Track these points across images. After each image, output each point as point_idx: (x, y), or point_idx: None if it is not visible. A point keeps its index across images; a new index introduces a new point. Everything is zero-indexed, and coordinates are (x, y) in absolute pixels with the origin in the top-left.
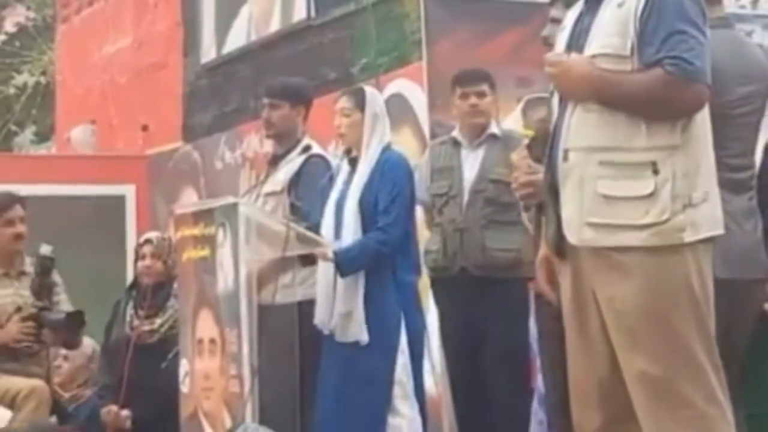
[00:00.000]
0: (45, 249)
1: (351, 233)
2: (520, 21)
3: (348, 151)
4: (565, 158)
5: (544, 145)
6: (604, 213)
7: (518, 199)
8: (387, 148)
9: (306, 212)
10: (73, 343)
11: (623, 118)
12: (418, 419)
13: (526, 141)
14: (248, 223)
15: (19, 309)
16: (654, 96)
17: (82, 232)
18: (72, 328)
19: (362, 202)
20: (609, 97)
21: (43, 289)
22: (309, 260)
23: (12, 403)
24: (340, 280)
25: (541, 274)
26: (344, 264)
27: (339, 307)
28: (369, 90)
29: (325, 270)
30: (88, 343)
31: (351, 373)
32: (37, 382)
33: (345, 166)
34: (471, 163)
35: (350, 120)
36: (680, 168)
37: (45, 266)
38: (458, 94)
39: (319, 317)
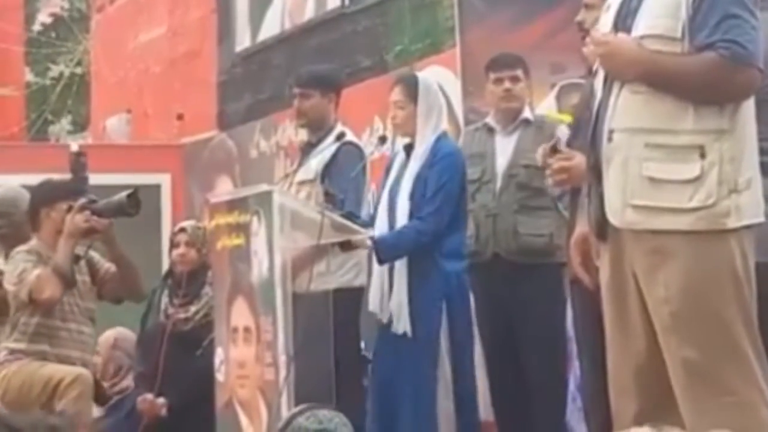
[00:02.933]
0: (74, 146)
1: (403, 222)
2: (553, 6)
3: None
4: (610, 139)
5: (576, 129)
6: (649, 195)
7: (552, 184)
8: (442, 137)
9: (340, 200)
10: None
11: (671, 101)
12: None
13: (554, 140)
14: (282, 210)
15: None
16: (706, 79)
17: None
18: (133, 207)
19: (414, 192)
20: (659, 78)
21: (80, 185)
22: (349, 246)
23: (55, 391)
24: (394, 272)
25: (574, 257)
26: (382, 252)
27: (393, 300)
28: (423, 78)
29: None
30: (110, 333)
31: (400, 363)
32: (81, 370)
33: (401, 154)
34: (504, 149)
35: (405, 113)
36: (727, 152)
37: (78, 163)
38: (492, 79)
39: (374, 305)
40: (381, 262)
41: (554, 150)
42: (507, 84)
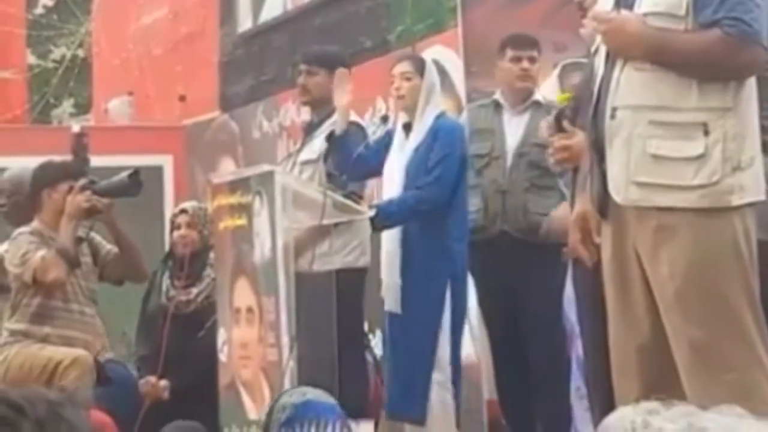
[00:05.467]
0: (75, 127)
1: (396, 193)
2: None
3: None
4: (613, 116)
5: (577, 108)
6: (653, 172)
7: (554, 162)
8: (441, 116)
9: (343, 180)
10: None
11: (674, 78)
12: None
13: (557, 110)
14: (284, 191)
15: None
16: (711, 57)
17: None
18: (134, 187)
19: (409, 167)
20: (664, 56)
21: (82, 166)
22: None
23: (54, 372)
24: (390, 253)
25: (574, 234)
26: (381, 216)
27: (384, 278)
28: (427, 59)
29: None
30: None
31: (397, 342)
32: (80, 352)
33: (400, 133)
34: (515, 127)
35: (411, 84)
36: (731, 130)
37: (79, 144)
38: (509, 57)
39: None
40: (375, 228)
41: (559, 122)
42: (525, 63)
